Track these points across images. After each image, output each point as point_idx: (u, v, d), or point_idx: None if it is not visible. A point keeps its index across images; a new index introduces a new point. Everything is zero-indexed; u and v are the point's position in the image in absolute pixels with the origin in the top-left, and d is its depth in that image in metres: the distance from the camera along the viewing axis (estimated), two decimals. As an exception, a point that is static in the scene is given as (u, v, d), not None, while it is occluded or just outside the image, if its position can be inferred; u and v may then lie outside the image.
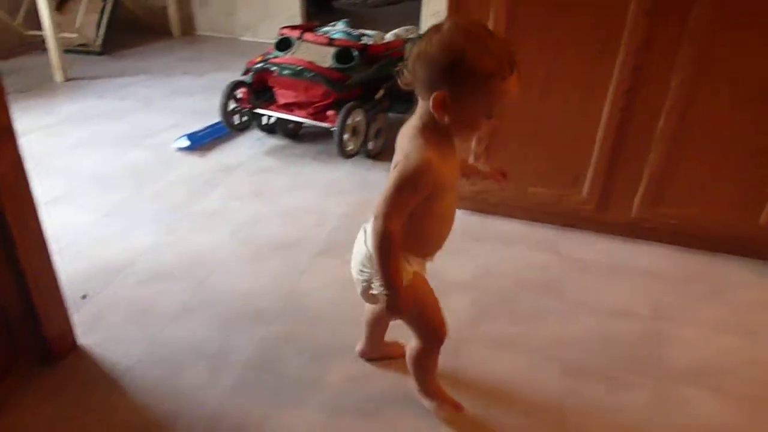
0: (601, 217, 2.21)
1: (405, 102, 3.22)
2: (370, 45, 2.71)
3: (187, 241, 2.09)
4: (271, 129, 2.96)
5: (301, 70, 2.55)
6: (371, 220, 1.15)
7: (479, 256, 2.09)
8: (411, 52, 1.07)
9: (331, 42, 2.67)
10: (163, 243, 2.07)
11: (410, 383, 1.47)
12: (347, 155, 2.62)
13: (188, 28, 4.83)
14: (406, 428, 1.42)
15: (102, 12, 4.22)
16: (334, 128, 2.53)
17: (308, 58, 2.62)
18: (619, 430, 1.44)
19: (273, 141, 2.92)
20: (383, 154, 2.82)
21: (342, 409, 1.45)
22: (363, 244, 1.25)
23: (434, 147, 1.11)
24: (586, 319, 1.81)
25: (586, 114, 2.04)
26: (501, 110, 1.09)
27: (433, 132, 1.11)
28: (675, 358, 1.67)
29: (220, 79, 3.66)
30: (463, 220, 2.30)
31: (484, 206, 2.33)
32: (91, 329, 1.65)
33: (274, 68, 2.60)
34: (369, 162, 2.75)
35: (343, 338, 1.67)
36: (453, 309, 1.80)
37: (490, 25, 1.94)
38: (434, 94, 1.05)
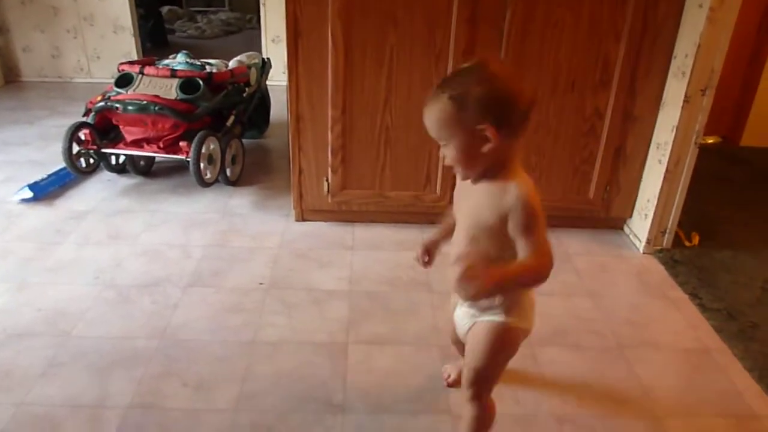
0: (456, 211, 2.38)
1: (256, 127, 3.26)
2: (214, 73, 2.70)
3: (45, 295, 1.96)
4: (121, 169, 2.85)
5: (146, 104, 2.49)
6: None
7: (351, 264, 2.17)
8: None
9: (174, 73, 2.64)
10: (16, 301, 1.92)
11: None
12: (206, 184, 2.59)
13: (12, 76, 4.49)
14: (302, 436, 1.45)
15: None
16: (189, 159, 2.50)
17: (152, 91, 2.56)
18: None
19: (125, 180, 2.81)
20: (242, 179, 2.83)
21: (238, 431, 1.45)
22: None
23: None
24: (456, 305, 1.94)
25: (429, 118, 2.20)
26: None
27: None
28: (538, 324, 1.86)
29: (54, 125, 3.49)
30: (330, 231, 2.38)
31: (348, 216, 2.42)
32: (-56, 404, 1.51)
33: (118, 105, 2.51)
34: (230, 189, 2.74)
35: (226, 363, 1.67)
36: (332, 317, 1.87)
37: (329, 44, 2.05)
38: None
